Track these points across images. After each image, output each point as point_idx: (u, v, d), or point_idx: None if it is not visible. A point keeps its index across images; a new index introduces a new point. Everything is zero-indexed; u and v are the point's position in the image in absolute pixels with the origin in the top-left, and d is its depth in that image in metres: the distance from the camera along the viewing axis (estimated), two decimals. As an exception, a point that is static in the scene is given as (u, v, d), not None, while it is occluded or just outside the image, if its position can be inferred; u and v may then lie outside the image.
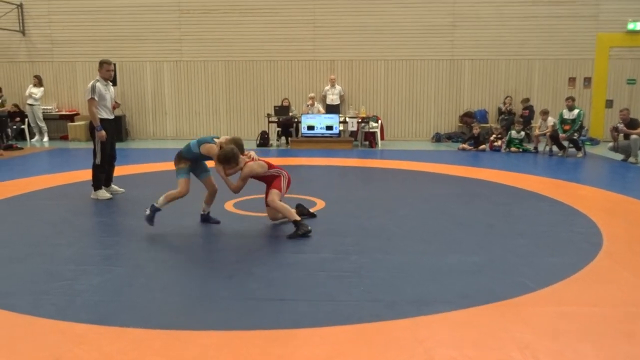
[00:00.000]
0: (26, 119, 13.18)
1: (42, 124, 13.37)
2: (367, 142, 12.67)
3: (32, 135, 13.37)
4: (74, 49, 13.91)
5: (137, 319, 3.16)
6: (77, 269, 4.06)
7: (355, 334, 2.96)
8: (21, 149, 11.82)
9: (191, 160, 5.19)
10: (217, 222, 5.35)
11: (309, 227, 4.89)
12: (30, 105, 13.15)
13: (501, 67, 13.54)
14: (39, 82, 13.27)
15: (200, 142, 5.08)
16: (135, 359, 2.71)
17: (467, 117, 13.49)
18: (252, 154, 5.23)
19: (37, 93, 13.13)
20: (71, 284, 3.76)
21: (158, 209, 5.08)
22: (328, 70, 13.76)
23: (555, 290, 3.61)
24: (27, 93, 13.17)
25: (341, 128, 12.45)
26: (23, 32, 13.97)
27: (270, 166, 5.23)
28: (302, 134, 12.37)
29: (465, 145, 11.86)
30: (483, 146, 11.68)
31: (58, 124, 14.00)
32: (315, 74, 13.84)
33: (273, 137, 13.04)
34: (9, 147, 11.63)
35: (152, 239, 4.83)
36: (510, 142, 11.58)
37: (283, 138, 13.03)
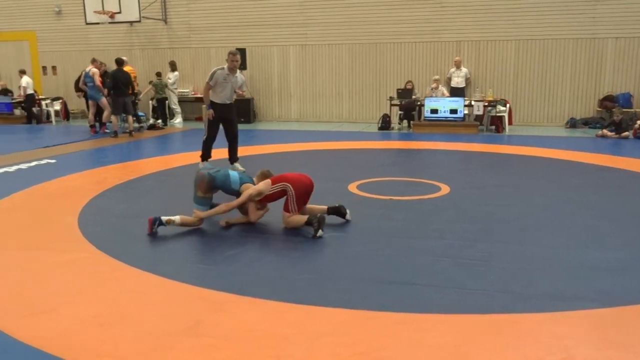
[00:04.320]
0: (166, 102, 14.32)
1: (175, 107, 14.36)
2: (493, 127, 12.08)
3: (172, 117, 14.49)
4: (208, 36, 14.81)
5: (268, 292, 3.32)
6: (213, 241, 4.37)
7: (486, 324, 2.86)
8: (163, 128, 12.91)
9: (213, 191, 4.78)
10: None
11: (318, 215, 4.44)
12: (168, 89, 14.27)
13: (652, 45, 12.14)
14: (173, 67, 14.28)
15: (243, 181, 4.76)
16: (270, 329, 2.85)
17: (608, 101, 12.32)
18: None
19: (172, 78, 14.16)
20: (209, 255, 4.05)
21: (162, 223, 4.53)
22: (453, 51, 13.28)
23: None
24: (167, 78, 14.30)
25: (466, 112, 12.00)
26: (165, 21, 15.12)
27: (273, 181, 4.66)
28: (424, 117, 12.11)
29: (606, 132, 10.85)
30: (626, 133, 10.62)
31: (193, 106, 15.04)
32: (440, 56, 13.44)
33: (395, 120, 12.92)
34: (152, 127, 12.75)
35: (278, 218, 4.99)
36: (660, 129, 10.41)
37: (405, 121, 12.86)
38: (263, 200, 4.72)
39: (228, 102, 7.20)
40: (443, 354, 2.54)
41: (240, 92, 7.32)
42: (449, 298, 3.20)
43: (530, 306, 3.06)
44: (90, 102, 12.05)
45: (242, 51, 13.84)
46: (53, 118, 14.98)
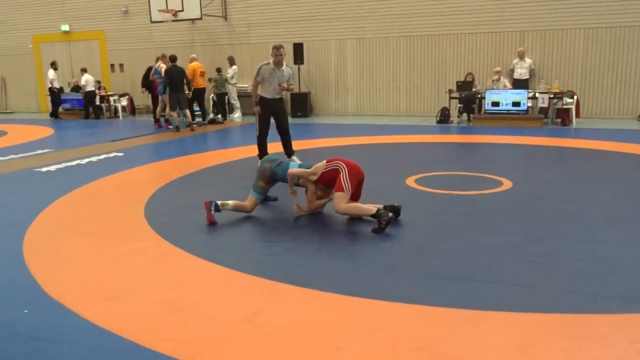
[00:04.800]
0: (226, 97, 14.60)
1: (234, 102, 14.64)
2: (559, 120, 11.60)
3: (231, 111, 14.81)
4: (267, 31, 15.00)
5: (328, 284, 3.34)
6: (274, 232, 4.44)
7: (552, 324, 2.76)
8: (222, 122, 13.22)
9: (273, 184, 4.98)
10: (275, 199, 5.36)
11: (390, 215, 4.29)
12: (228, 83, 14.57)
13: None
14: (231, 62, 14.53)
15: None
16: (329, 321, 2.87)
17: (687, 92, 11.56)
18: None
19: (230, 72, 14.43)
20: (269, 245, 4.12)
21: (219, 209, 4.69)
22: (517, 42, 12.83)
23: None
24: (226, 73, 14.60)
25: (529, 104, 11.57)
26: (225, 17, 15.45)
27: (328, 161, 4.70)
28: (485, 110, 11.79)
29: (683, 125, 10.20)
30: None
31: (252, 100, 15.28)
32: (502, 47, 13.02)
33: (454, 113, 12.65)
34: (213, 121, 13.08)
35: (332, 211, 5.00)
36: None
37: (464, 115, 12.56)
38: (318, 182, 4.72)
39: (277, 96, 7.23)
40: (507, 354, 2.48)
41: (289, 86, 7.27)
42: (513, 296, 3.11)
43: (601, 307, 2.93)
44: (160, 97, 12.46)
45: (299, 46, 13.96)
46: (120, 113, 15.66)
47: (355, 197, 4.71)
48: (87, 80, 14.90)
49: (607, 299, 3.04)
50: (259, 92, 7.17)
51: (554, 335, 2.64)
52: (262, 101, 7.17)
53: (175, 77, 11.39)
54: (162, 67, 12.01)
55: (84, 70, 15.30)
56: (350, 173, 4.54)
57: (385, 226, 4.29)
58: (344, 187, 4.47)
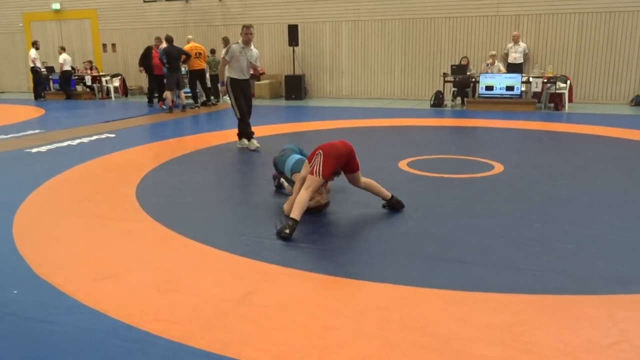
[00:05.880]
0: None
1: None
2: (552, 104, 11.61)
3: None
4: (261, 12, 14.84)
5: (319, 266, 3.36)
6: (264, 215, 4.45)
7: (539, 305, 2.79)
8: (215, 104, 13.14)
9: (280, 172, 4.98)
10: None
11: (287, 232, 3.84)
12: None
13: None
14: (225, 42, 14.36)
15: (294, 170, 4.59)
16: (320, 301, 2.90)
17: (680, 78, 11.59)
18: None
19: (224, 53, 14.23)
20: (261, 228, 4.12)
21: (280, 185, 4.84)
22: (512, 26, 12.78)
23: None
24: (221, 54, 14.45)
25: (523, 89, 11.57)
26: (219, -2, 15.27)
27: (309, 158, 4.31)
28: (479, 94, 11.78)
29: (676, 110, 10.24)
30: (699, 111, 9.99)
31: (246, 82, 15.19)
32: (497, 31, 12.97)
33: (448, 97, 12.63)
34: (205, 104, 12.99)
35: (336, 197, 5.00)
36: None
37: (459, 98, 12.55)
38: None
39: (246, 76, 7.20)
40: (494, 333, 2.51)
41: (257, 67, 7.30)
42: (501, 277, 3.14)
43: (587, 288, 2.97)
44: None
45: (294, 27, 13.84)
46: (112, 94, 15.52)
47: (351, 168, 4.40)
48: (65, 60, 14.74)
49: (593, 280, 3.08)
50: (227, 72, 7.11)
51: (539, 316, 2.68)
52: (232, 81, 7.11)
53: (175, 56, 11.35)
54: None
55: (62, 49, 15.08)
56: (326, 157, 4.16)
57: (284, 231, 3.87)
58: (315, 170, 4.14)
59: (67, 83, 15.14)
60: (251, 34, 7.04)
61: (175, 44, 11.82)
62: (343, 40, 14.39)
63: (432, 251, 3.59)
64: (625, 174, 5.66)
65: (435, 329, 2.57)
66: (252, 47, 7.22)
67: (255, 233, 4.01)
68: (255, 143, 7.28)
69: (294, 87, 14.15)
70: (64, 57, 14.75)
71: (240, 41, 7.12)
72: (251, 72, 7.36)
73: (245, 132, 7.35)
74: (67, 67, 14.87)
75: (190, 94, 12.76)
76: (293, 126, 9.56)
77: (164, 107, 12.16)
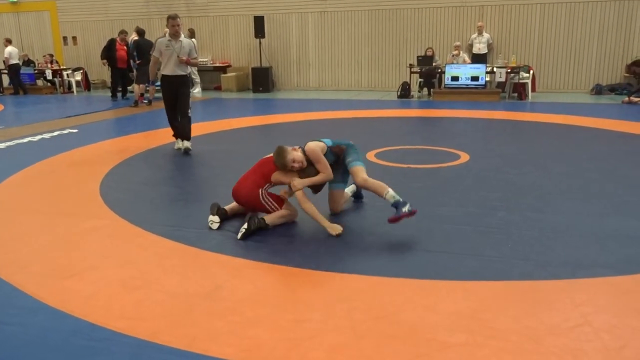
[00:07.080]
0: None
1: (194, 76, 14.24)
2: (515, 94, 11.85)
3: (191, 86, 14.46)
4: (227, 4, 14.66)
5: (286, 259, 3.36)
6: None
7: (503, 291, 2.86)
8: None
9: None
10: None
11: (247, 228, 3.74)
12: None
13: (685, 8, 11.68)
14: (191, 34, 14.13)
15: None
16: (287, 294, 2.90)
17: (637, 67, 11.96)
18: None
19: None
20: (228, 223, 4.09)
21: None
22: (477, 16, 12.96)
23: None
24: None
25: (487, 79, 11.76)
26: (183, -11, 15.00)
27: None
28: (445, 85, 11.92)
29: (633, 98, 10.58)
30: (655, 99, 10.33)
31: (212, 75, 15.01)
32: (462, 21, 13.13)
33: (415, 88, 12.74)
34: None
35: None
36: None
37: (425, 89, 12.68)
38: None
39: (179, 72, 6.49)
40: (459, 320, 2.56)
41: (189, 60, 6.48)
42: (466, 265, 3.20)
43: (549, 273, 3.05)
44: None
45: (260, 19, 13.72)
46: (74, 88, 15.12)
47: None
48: (11, 53, 14.16)
49: (555, 265, 3.16)
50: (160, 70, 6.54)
51: (504, 302, 2.74)
52: (163, 79, 6.52)
53: (145, 50, 11.10)
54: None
55: (8, 41, 14.49)
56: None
57: (247, 230, 3.75)
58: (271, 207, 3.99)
59: (17, 77, 14.53)
60: (178, 25, 6.36)
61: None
62: (310, 32, 14.34)
63: (398, 241, 3.62)
64: (587, 161, 5.81)
65: (402, 318, 2.60)
66: (183, 37, 6.54)
67: (223, 227, 3.97)
68: (179, 143, 6.69)
69: (261, 80, 14.04)
70: (9, 50, 14.14)
71: (166, 34, 6.53)
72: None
73: (175, 131, 6.78)
74: (14, 61, 14.27)
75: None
76: (261, 119, 9.50)
77: (144, 101, 11.89)
